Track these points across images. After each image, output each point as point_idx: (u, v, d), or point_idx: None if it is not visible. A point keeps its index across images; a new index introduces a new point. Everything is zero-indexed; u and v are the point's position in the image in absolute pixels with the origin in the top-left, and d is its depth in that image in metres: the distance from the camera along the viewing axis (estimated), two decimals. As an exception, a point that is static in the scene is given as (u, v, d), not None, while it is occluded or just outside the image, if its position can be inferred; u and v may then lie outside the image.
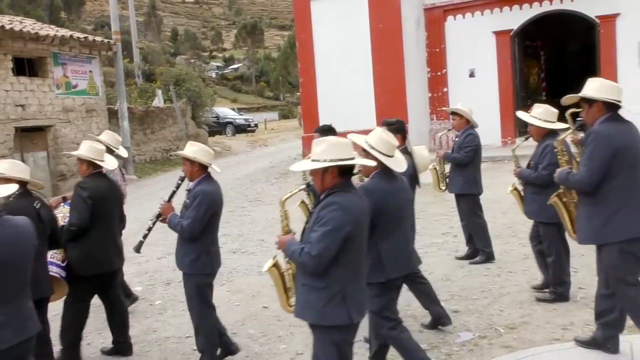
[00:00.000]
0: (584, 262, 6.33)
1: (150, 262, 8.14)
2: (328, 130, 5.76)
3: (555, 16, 15.74)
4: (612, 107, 3.73)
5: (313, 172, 3.30)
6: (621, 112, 3.81)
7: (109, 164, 5.09)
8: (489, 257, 6.78)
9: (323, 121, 16.98)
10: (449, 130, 7.05)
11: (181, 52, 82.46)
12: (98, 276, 4.85)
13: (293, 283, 3.53)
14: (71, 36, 16.29)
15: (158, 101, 21.46)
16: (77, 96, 16.29)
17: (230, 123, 31.66)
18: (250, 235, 9.31)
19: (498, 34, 16.04)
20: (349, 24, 16.52)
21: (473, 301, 5.60)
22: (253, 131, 32.04)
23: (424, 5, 16.86)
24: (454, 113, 6.85)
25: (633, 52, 14.64)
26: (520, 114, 5.63)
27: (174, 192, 4.74)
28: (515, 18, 15.89)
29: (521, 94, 16.64)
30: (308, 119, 17.74)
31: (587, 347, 4.18)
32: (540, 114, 5.27)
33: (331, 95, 16.73)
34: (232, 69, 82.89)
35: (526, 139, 5.73)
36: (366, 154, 3.84)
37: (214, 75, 76.29)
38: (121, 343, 5.08)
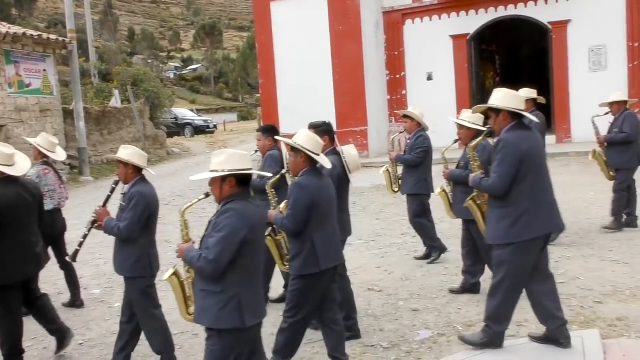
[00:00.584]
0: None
1: (108, 265, 7.95)
2: (270, 130, 5.89)
3: (509, 21, 16.17)
4: (516, 116, 4.03)
5: (211, 182, 3.41)
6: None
7: (20, 168, 4.73)
8: (441, 250, 6.95)
9: (284, 123, 17.03)
10: (401, 132, 7.22)
11: (138, 52, 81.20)
12: (13, 286, 4.62)
13: (193, 291, 3.62)
14: (24, 34, 15.88)
15: (115, 101, 21.10)
16: (30, 95, 15.88)
17: (189, 124, 31.35)
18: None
19: (455, 38, 16.36)
20: (309, 27, 16.59)
21: (432, 300, 5.71)
22: (212, 132, 31.80)
23: (383, 8, 17.07)
24: (405, 116, 7.02)
25: (584, 57, 15.15)
26: (451, 118, 5.96)
27: (108, 197, 4.66)
28: (471, 23, 16.24)
29: (477, 97, 16.97)
30: (268, 120, 17.67)
31: (540, 343, 4.31)
32: (469, 118, 5.53)
33: (291, 97, 16.77)
34: (190, 69, 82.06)
35: (455, 141, 5.89)
36: (296, 153, 4.10)
37: (172, 75, 75.37)
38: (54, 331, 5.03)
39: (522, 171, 3.89)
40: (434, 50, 16.50)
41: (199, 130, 31.26)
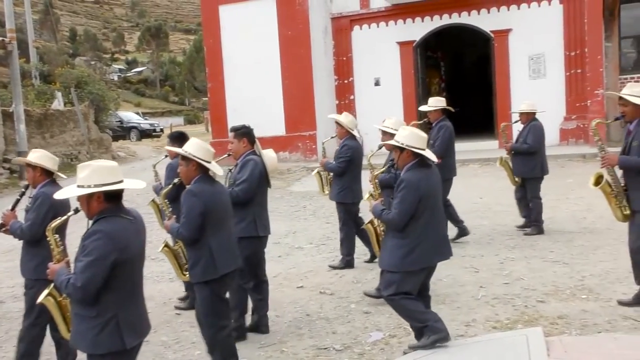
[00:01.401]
0: (484, 262, 6.74)
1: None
2: (179, 137, 5.69)
3: (454, 29, 16.58)
4: (418, 154, 4.28)
5: (79, 199, 3.21)
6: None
7: None
8: (347, 265, 7.01)
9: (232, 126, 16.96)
10: (332, 137, 7.33)
11: (80, 53, 78.99)
12: None
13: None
14: (-39, 33, 15.29)
15: (58, 103, 20.51)
16: (-33, 97, 15.29)
17: (135, 128, 30.79)
18: (160, 241, 9.12)
19: (401, 44, 16.67)
20: (257, 31, 16.58)
21: (383, 302, 5.78)
22: (158, 136, 31.29)
23: (331, 14, 17.23)
24: (337, 122, 7.03)
25: (524, 65, 15.69)
26: (375, 125, 6.21)
27: (17, 201, 4.58)
28: (417, 30, 16.58)
29: (423, 102, 17.32)
30: (217, 124, 17.62)
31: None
32: (393, 124, 5.72)
33: (240, 100, 16.71)
34: (135, 72, 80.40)
35: (380, 147, 6.01)
36: (187, 161, 4.20)
37: (116, 78, 73.60)
38: None
39: (420, 209, 4.19)
40: (382, 56, 16.76)
41: (145, 134, 30.73)
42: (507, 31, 15.76)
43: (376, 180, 4.89)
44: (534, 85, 15.50)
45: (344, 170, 6.85)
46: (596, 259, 6.50)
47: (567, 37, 15.25)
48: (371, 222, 4.88)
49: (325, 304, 5.90)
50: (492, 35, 15.95)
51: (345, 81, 17.33)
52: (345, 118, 7.00)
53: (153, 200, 6.39)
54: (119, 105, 28.94)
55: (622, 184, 5.01)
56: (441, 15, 16.32)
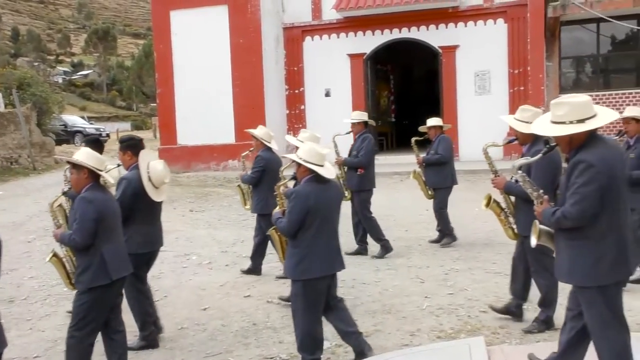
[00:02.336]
0: (429, 273, 6.87)
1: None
2: (94, 142, 5.77)
3: (403, 43, 16.89)
4: (313, 170, 4.39)
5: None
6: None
7: None
8: (251, 271, 7.16)
9: (181, 134, 16.80)
10: (251, 150, 7.43)
11: (23, 54, 76.68)
12: None
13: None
14: None
15: (-2, 105, 19.80)
16: None
17: (80, 132, 29.97)
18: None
19: (352, 56, 16.88)
20: (209, 38, 16.51)
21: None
22: (104, 141, 30.58)
23: (283, 24, 17.30)
24: (252, 135, 7.13)
25: (470, 81, 16.12)
26: (287, 137, 6.36)
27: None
28: (368, 42, 16.83)
29: (373, 114, 17.55)
30: (165, 131, 17.38)
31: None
32: (306, 138, 5.83)
33: (190, 107, 16.58)
34: (81, 75, 78.44)
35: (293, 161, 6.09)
36: (78, 169, 4.32)
37: (60, 80, 71.69)
38: None
39: (308, 220, 4.33)
40: (332, 67, 16.92)
41: (90, 139, 29.93)
42: (455, 47, 16.18)
43: (281, 191, 5.01)
44: (480, 100, 15.95)
45: (258, 181, 6.94)
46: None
47: (511, 56, 15.77)
48: (275, 229, 4.94)
49: (272, 313, 5.89)
50: (440, 50, 16.33)
51: (296, 91, 17.41)
52: (259, 131, 7.11)
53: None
54: (63, 109, 28.20)
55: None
56: (391, 29, 16.62)
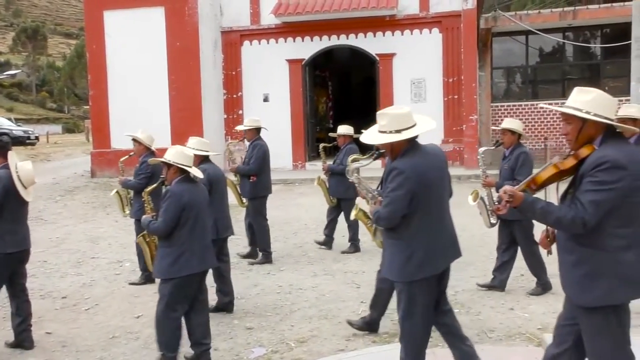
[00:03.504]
0: (365, 279, 6.94)
1: None
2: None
3: (342, 50, 17.06)
4: (184, 170, 4.61)
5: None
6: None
7: None
8: (147, 280, 7.05)
9: (115, 137, 16.36)
10: (131, 155, 7.47)
11: (-56, 51, 72.98)
12: None
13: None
14: None
15: None
16: None
17: (6, 134, 28.71)
18: (31, 256, 8.58)
19: (291, 62, 16.90)
20: (145, 39, 16.19)
21: (266, 318, 5.82)
22: (33, 144, 29.39)
23: (222, 28, 17.16)
24: (134, 140, 7.04)
25: (407, 88, 16.43)
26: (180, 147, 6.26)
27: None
28: (306, 48, 16.89)
29: (311, 120, 17.67)
30: (98, 134, 16.90)
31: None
32: (195, 144, 5.86)
33: (125, 110, 16.18)
34: (8, 75, 75.18)
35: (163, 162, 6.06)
36: None
37: (-16, 80, 68.62)
38: None
39: (183, 219, 4.51)
40: (271, 72, 16.90)
41: (18, 141, 28.71)
42: (392, 55, 16.46)
43: (148, 196, 5.01)
44: (416, 108, 15.83)
45: (144, 187, 6.60)
46: (468, 275, 6.90)
47: (446, 65, 16.17)
48: (143, 235, 4.98)
49: (214, 317, 5.81)
50: (377, 58, 16.58)
51: (234, 95, 17.28)
52: (142, 134, 6.98)
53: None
54: (-12, 110, 26.93)
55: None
56: (330, 36, 16.75)
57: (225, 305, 6.03)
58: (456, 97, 16.10)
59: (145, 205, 4.97)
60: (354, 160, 4.57)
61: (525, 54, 17.87)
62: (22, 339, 5.20)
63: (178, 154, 4.60)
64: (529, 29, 16.63)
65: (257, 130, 7.82)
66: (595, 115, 2.95)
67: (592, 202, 2.88)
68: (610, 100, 3.02)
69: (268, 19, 16.76)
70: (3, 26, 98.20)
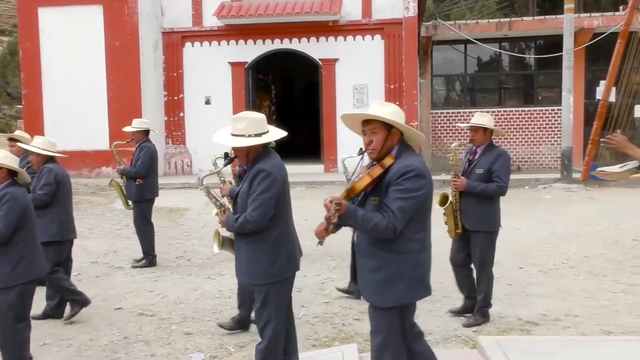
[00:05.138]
0: (306, 282, 6.94)
1: None
2: None
3: (285, 54, 17.07)
4: (13, 174, 4.32)
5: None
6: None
7: None
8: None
9: (51, 137, 15.78)
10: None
11: None
12: None
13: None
14: None
15: None
16: None
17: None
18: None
19: (233, 65, 16.78)
20: (82, 38, 15.76)
21: (205, 322, 5.74)
22: (-39, 144, 28.19)
23: (163, 29, 16.88)
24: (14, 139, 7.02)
25: (349, 94, 16.58)
26: (26, 146, 6.04)
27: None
28: (249, 51, 16.82)
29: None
30: (33, 134, 16.26)
31: None
32: (40, 144, 5.75)
33: (61, 111, 15.69)
34: None
35: (28, 167, 5.90)
36: None
37: None
38: None
39: (23, 222, 4.22)
40: (213, 75, 16.72)
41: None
42: (335, 60, 16.57)
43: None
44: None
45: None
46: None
47: (388, 71, 16.41)
48: None
49: (144, 325, 5.69)
50: (320, 63, 16.66)
51: (176, 98, 17.01)
52: (32, 140, 6.50)
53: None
54: None
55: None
56: (273, 40, 16.72)
57: (54, 311, 5.90)
58: (397, 103, 16.28)
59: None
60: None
61: (464, 62, 18.35)
62: None
63: (7, 157, 4.30)
64: (468, 38, 17.10)
65: (146, 132, 7.87)
66: (404, 125, 3.23)
67: (399, 208, 3.09)
68: (402, 113, 3.31)
69: (210, 21, 16.60)
70: None
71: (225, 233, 4.06)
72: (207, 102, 16.82)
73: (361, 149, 3.37)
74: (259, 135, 3.74)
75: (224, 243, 4.02)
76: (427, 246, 3.32)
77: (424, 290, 3.33)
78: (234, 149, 3.86)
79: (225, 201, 4.08)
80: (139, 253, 8.09)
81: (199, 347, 5.15)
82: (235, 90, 16.78)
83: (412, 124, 15.93)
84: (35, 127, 16.07)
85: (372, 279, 3.26)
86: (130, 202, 7.87)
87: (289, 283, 3.98)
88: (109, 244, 9.08)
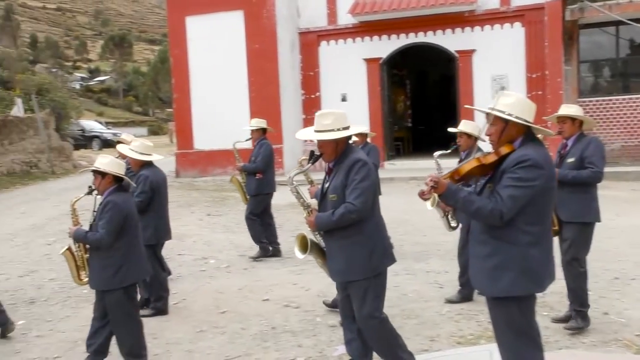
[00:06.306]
0: (448, 278, 6.79)
1: (10, 280, 7.61)
2: None
3: (418, 48, 16.85)
4: (119, 179, 4.53)
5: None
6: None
7: None
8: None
9: (198, 139, 16.86)
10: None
11: (41, 60, 77.53)
12: None
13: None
14: None
15: (18, 110, 20.07)
16: None
17: (97, 137, 30.25)
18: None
19: (368, 61, 16.86)
20: (225, 43, 16.58)
21: (348, 316, 5.81)
22: (123, 146, 30.83)
23: (299, 29, 17.33)
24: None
25: (487, 85, 16.01)
26: (120, 147, 6.22)
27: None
28: (384, 47, 16.79)
29: (389, 119, 17.54)
30: (182, 135, 17.47)
31: None
32: (137, 147, 5.87)
33: (206, 112, 16.64)
34: (97, 81, 79.16)
35: (129, 169, 5.96)
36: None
37: (78, 86, 72.43)
38: None
39: (126, 227, 4.45)
40: (348, 72, 16.91)
41: (108, 144, 30.22)
42: (471, 51, 16.10)
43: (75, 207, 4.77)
44: None
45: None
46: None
47: (529, 60, 15.65)
48: (69, 249, 4.75)
49: (290, 317, 5.88)
50: (456, 55, 16.26)
51: (312, 96, 17.42)
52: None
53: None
54: (81, 114, 28.50)
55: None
56: (407, 34, 16.58)
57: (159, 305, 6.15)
58: (540, 93, 15.54)
59: (72, 217, 4.71)
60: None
61: (616, 46, 16.99)
62: None
63: (113, 164, 4.50)
64: (620, 19, 15.82)
65: (263, 130, 8.22)
66: (516, 117, 3.16)
67: (510, 196, 3.06)
68: (528, 104, 3.25)
69: (345, 19, 16.79)
70: (93, 35, 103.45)
71: (311, 236, 4.06)
72: (343, 99, 17.04)
73: (312, 152, 3.79)
74: (347, 128, 3.86)
75: (312, 247, 3.99)
76: (544, 241, 3.19)
77: (535, 285, 3.20)
78: (321, 144, 3.91)
79: (313, 201, 4.12)
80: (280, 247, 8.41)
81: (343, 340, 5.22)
82: (370, 87, 16.86)
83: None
84: (185, 129, 17.25)
85: (482, 267, 3.26)
86: (248, 197, 8.29)
87: (385, 277, 4.02)
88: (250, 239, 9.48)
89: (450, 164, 6.48)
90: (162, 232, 6.25)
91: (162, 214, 6.21)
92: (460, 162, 5.79)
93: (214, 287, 7.00)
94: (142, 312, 6.02)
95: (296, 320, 5.78)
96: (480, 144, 5.98)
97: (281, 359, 4.90)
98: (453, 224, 5.99)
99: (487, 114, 3.25)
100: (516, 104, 3.20)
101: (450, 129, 6.39)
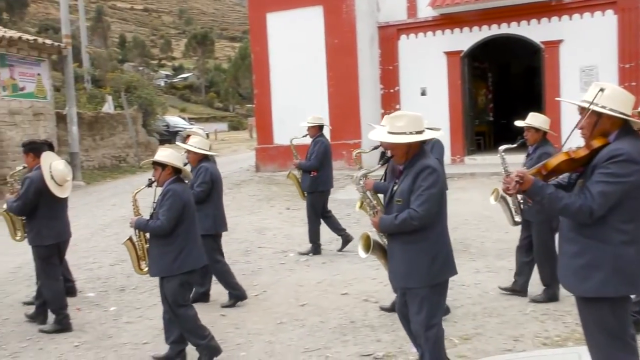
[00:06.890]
0: (533, 277, 6.58)
1: (102, 269, 8.01)
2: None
3: (500, 40, 16.35)
4: (177, 171, 4.69)
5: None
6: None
7: None
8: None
9: (277, 133, 17.10)
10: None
11: (129, 59, 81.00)
12: None
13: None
14: (20, 37, 15.85)
15: (108, 107, 21.08)
16: (24, 99, 15.82)
17: (181, 132, 31.28)
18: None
19: (449, 54, 16.52)
20: (304, 38, 16.71)
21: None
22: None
23: (378, 23, 17.20)
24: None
25: (575, 77, 15.32)
26: (183, 145, 6.27)
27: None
28: (465, 40, 16.40)
29: (470, 113, 17.14)
30: (262, 131, 17.78)
31: None
32: (197, 143, 5.98)
33: (286, 108, 16.84)
34: (181, 78, 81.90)
35: (185, 164, 5.81)
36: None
37: (162, 83, 75.20)
38: None
39: (185, 214, 4.60)
40: (428, 65, 16.63)
41: (190, 139, 31.23)
42: (558, 42, 15.46)
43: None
44: None
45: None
46: None
47: (622, 49, 14.85)
48: (130, 238, 4.91)
49: (369, 311, 5.87)
50: (542, 46, 15.66)
51: (391, 90, 17.26)
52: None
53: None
54: (166, 110, 29.54)
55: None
56: (490, 25, 16.12)
57: (201, 297, 6.31)
58: (634, 84, 14.71)
59: (133, 206, 4.93)
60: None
61: None
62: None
63: (172, 155, 4.67)
64: None
65: (320, 127, 8.22)
66: (610, 110, 2.97)
67: (601, 192, 2.89)
68: (625, 96, 3.03)
69: (425, 12, 16.52)
70: (177, 34, 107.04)
71: (375, 237, 4.00)
72: (423, 94, 16.79)
73: (383, 152, 3.74)
74: (420, 132, 3.74)
75: (375, 247, 3.93)
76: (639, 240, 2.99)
77: (629, 286, 3.00)
78: (392, 147, 3.83)
79: (379, 202, 4.08)
80: (357, 242, 8.37)
81: (423, 336, 5.16)
82: (451, 81, 16.52)
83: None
84: (265, 124, 17.54)
85: (570, 265, 3.10)
86: (305, 193, 8.31)
87: (445, 288, 3.95)
88: (329, 232, 9.52)
89: (516, 159, 6.35)
90: (220, 222, 6.40)
91: (219, 205, 6.37)
92: (527, 156, 5.80)
93: (294, 280, 7.10)
94: (224, 303, 6.21)
95: (375, 315, 5.77)
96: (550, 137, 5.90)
97: (359, 354, 4.90)
98: (517, 218, 5.91)
99: (582, 107, 3.08)
100: (612, 96, 3.02)
101: (517, 122, 6.14)
